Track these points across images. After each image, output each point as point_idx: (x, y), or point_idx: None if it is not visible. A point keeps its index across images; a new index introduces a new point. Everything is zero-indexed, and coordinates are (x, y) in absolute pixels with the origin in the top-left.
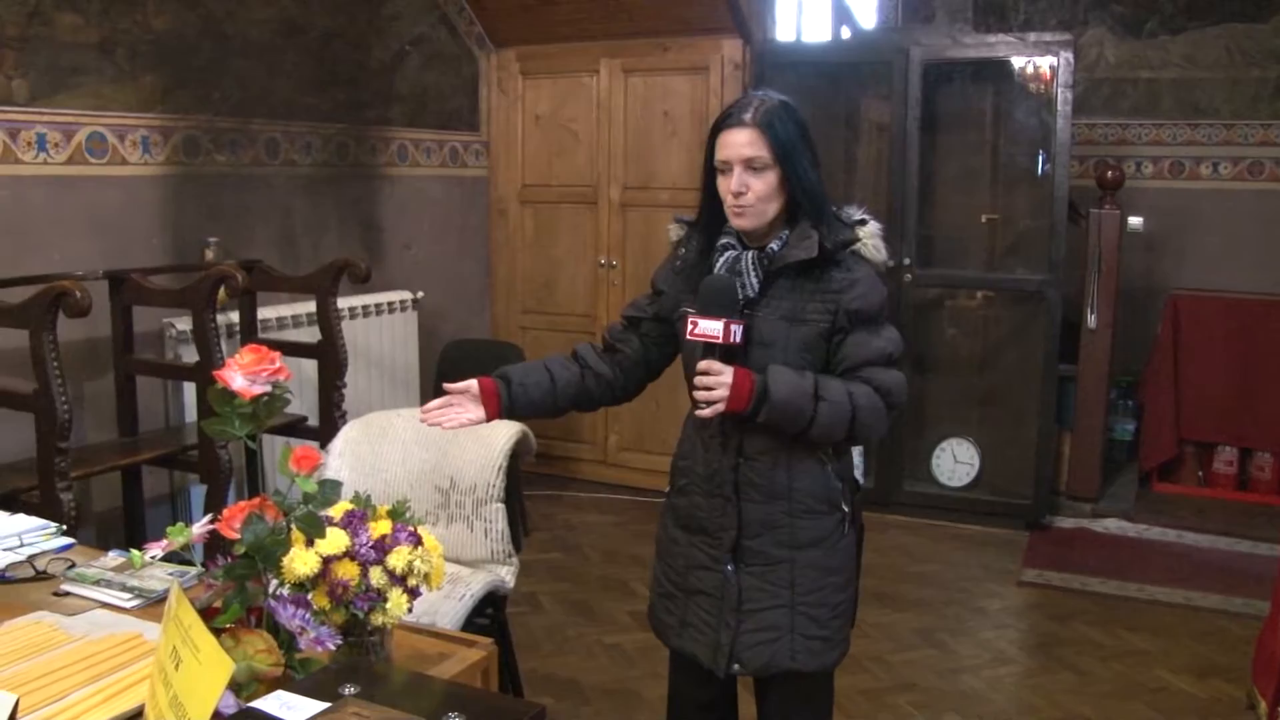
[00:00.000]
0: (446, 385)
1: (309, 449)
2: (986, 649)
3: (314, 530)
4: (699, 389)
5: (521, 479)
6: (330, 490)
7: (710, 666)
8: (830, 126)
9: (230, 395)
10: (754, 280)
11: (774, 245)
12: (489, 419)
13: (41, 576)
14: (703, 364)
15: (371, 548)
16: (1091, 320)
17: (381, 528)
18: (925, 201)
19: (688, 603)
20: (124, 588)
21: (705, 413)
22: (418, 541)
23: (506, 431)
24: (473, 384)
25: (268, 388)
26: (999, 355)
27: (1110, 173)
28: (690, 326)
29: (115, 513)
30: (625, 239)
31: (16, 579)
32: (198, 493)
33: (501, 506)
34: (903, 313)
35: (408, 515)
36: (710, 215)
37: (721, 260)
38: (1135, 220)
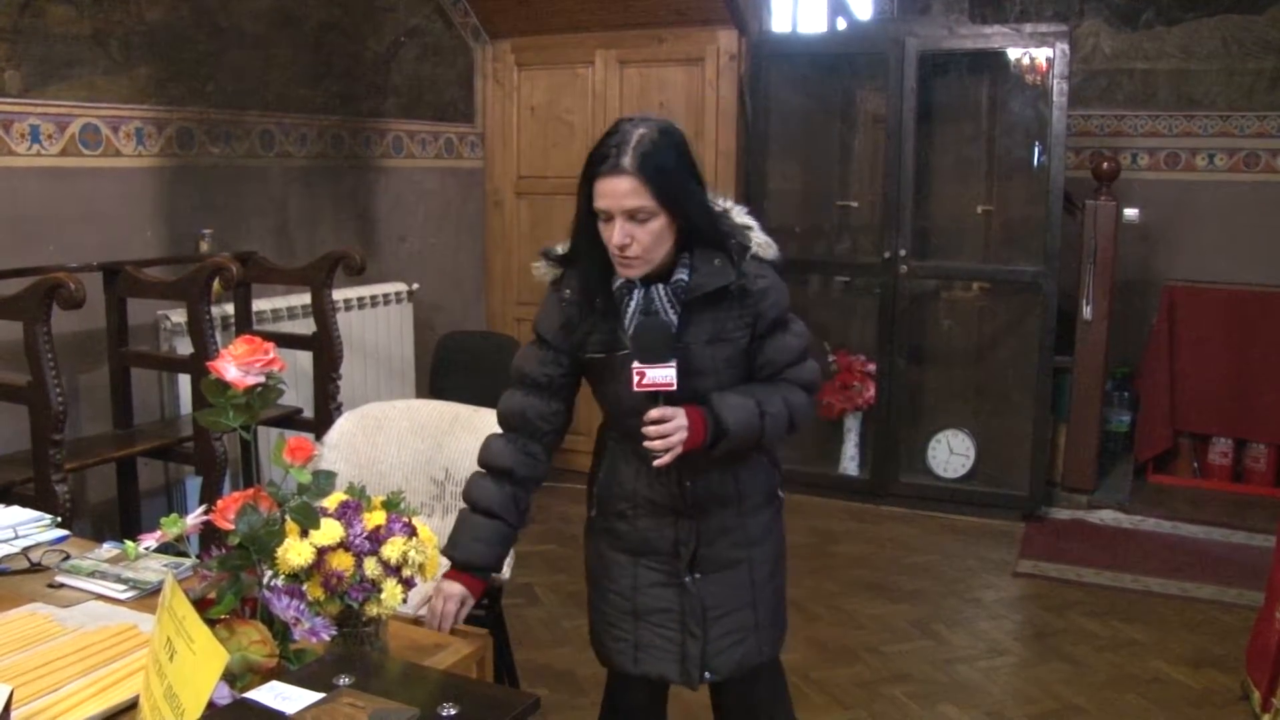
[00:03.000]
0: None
1: (303, 440)
2: (982, 640)
3: (308, 521)
4: (654, 438)
5: None
6: (325, 481)
7: (680, 681)
8: (825, 118)
9: (224, 386)
10: (673, 315)
11: (682, 276)
12: (476, 597)
13: (36, 568)
14: (654, 414)
15: (366, 538)
16: (1087, 311)
17: (376, 518)
18: (921, 193)
19: (638, 625)
20: (118, 579)
21: (664, 460)
22: (412, 532)
23: None
24: (452, 593)
25: (261, 378)
26: (995, 347)
27: (1106, 164)
28: (638, 378)
29: (110, 505)
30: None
31: (11, 571)
32: (193, 484)
33: None
34: (898, 303)
35: (402, 506)
36: (591, 247)
37: (632, 301)
38: (1131, 211)
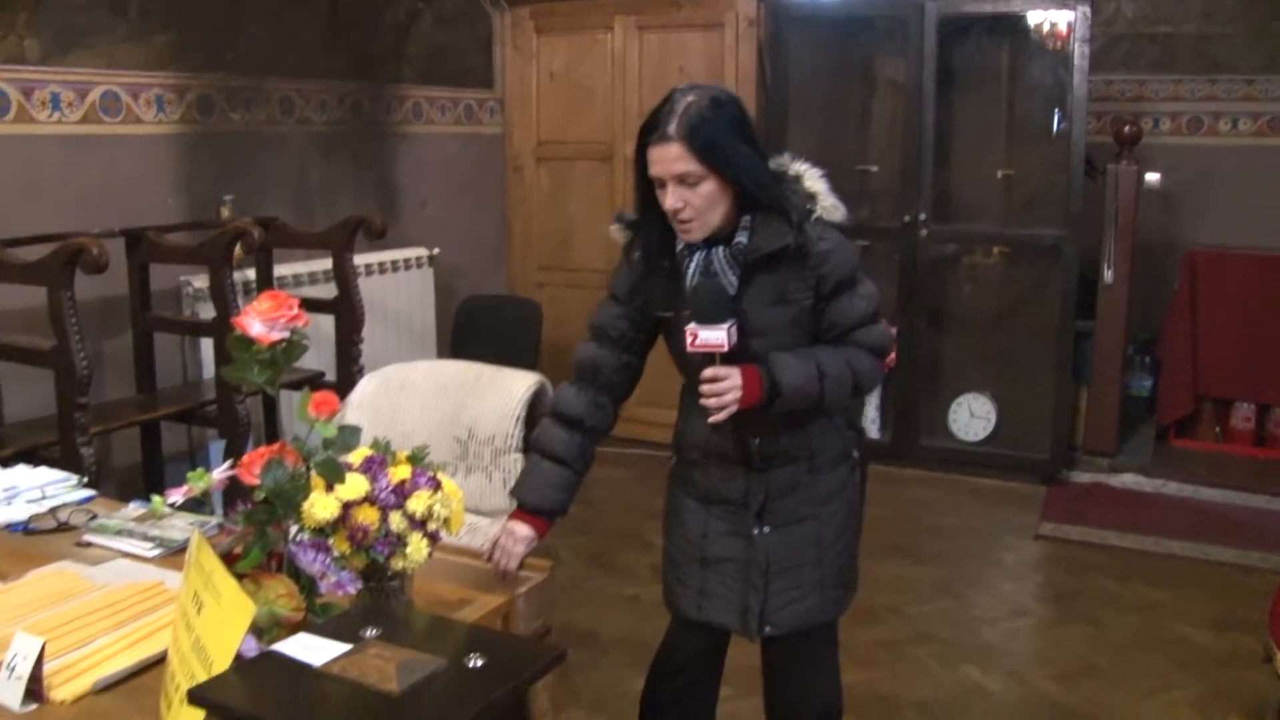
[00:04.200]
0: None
1: (328, 394)
2: (1004, 601)
3: (333, 475)
4: (708, 397)
5: None
6: (349, 436)
7: (740, 632)
8: (845, 82)
9: (249, 342)
10: (733, 278)
11: (741, 239)
12: (540, 536)
13: (64, 528)
14: (708, 373)
15: (391, 492)
16: (1108, 276)
17: (401, 473)
18: (941, 158)
19: (705, 573)
20: (145, 538)
21: (719, 418)
22: (437, 486)
23: (524, 382)
24: (519, 534)
25: (286, 334)
26: (1015, 311)
27: (1127, 129)
28: (690, 339)
29: (135, 469)
30: None
31: (40, 530)
32: (216, 448)
33: (520, 457)
34: (918, 268)
35: (427, 461)
36: (654, 215)
37: (693, 263)
38: (1153, 176)
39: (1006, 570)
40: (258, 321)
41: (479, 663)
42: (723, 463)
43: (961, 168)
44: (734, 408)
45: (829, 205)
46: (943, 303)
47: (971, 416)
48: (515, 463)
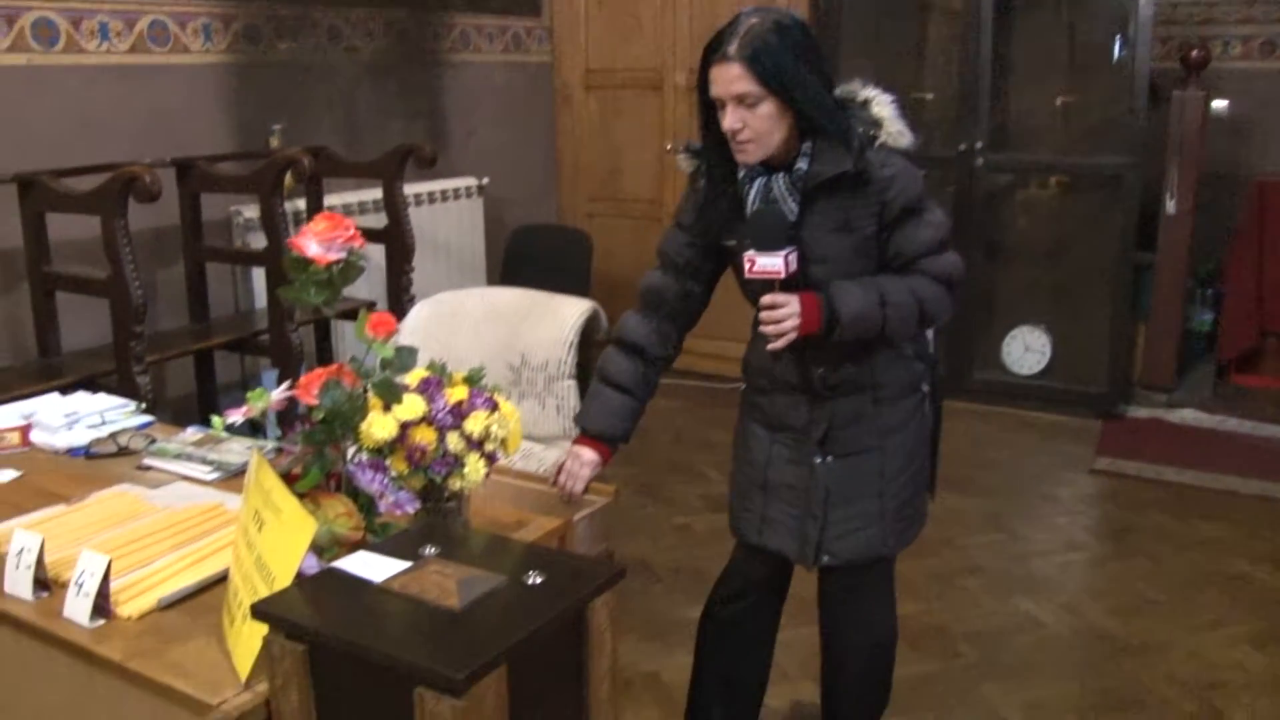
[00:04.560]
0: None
1: (385, 315)
2: (1057, 535)
3: (391, 396)
4: (767, 324)
5: (593, 356)
6: (407, 357)
7: (797, 560)
8: (900, 7)
9: (305, 263)
10: (793, 204)
11: (801, 165)
12: (604, 462)
13: (124, 452)
14: (766, 299)
15: (448, 413)
16: (1171, 206)
17: (458, 393)
18: (998, 85)
19: (767, 499)
20: (204, 461)
21: (777, 345)
22: (494, 407)
23: (577, 309)
24: (584, 458)
25: (343, 254)
26: (1073, 242)
27: (1194, 53)
28: (748, 265)
29: (189, 398)
30: (691, 124)
31: (100, 454)
32: (269, 377)
33: (573, 383)
34: (973, 198)
35: (484, 382)
36: (717, 140)
37: (753, 190)
38: (1220, 103)
39: (1060, 504)
40: (314, 242)
41: (538, 580)
42: (787, 391)
43: (1019, 95)
44: (792, 335)
45: (895, 131)
46: (998, 234)
47: (1026, 350)
48: (568, 389)
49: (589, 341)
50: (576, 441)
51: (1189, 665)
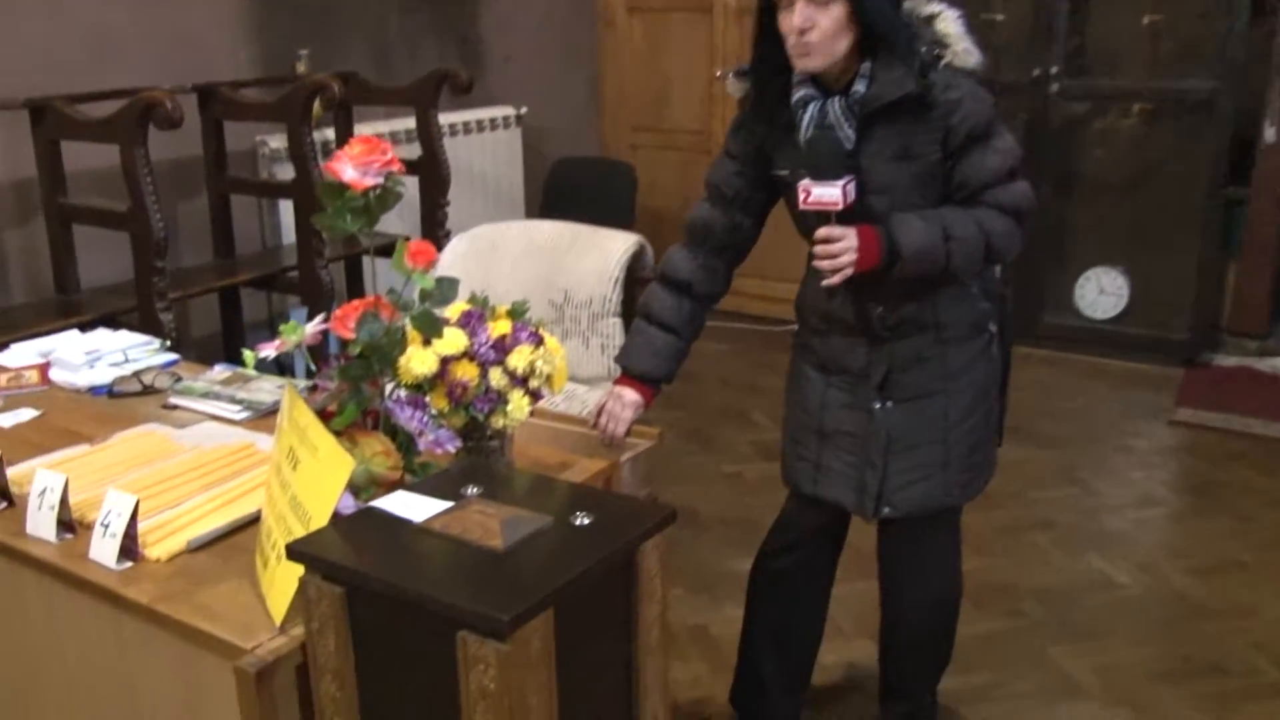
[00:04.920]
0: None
1: (425, 244)
2: (1133, 489)
3: (431, 329)
4: (822, 258)
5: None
6: (448, 288)
7: (855, 511)
8: None
9: (341, 188)
10: (850, 130)
11: (859, 87)
12: (646, 404)
13: (149, 391)
14: (822, 233)
15: (491, 348)
16: (1270, 134)
17: (501, 327)
18: (1076, 4)
19: (822, 447)
20: (232, 400)
21: (833, 281)
22: (539, 342)
23: (623, 243)
24: (626, 399)
25: (380, 179)
26: (1156, 175)
27: None
28: (803, 196)
29: (214, 338)
30: (742, 50)
31: (124, 393)
32: (298, 316)
33: (618, 321)
34: (1047, 128)
35: (528, 316)
36: (770, 60)
37: (807, 115)
38: None
39: (1137, 457)
40: (350, 166)
41: (586, 521)
42: (843, 332)
43: (1100, 15)
44: (849, 271)
45: (961, 50)
46: (1073, 166)
47: (1101, 292)
48: (613, 327)
49: (635, 278)
50: (617, 382)
51: (1277, 631)
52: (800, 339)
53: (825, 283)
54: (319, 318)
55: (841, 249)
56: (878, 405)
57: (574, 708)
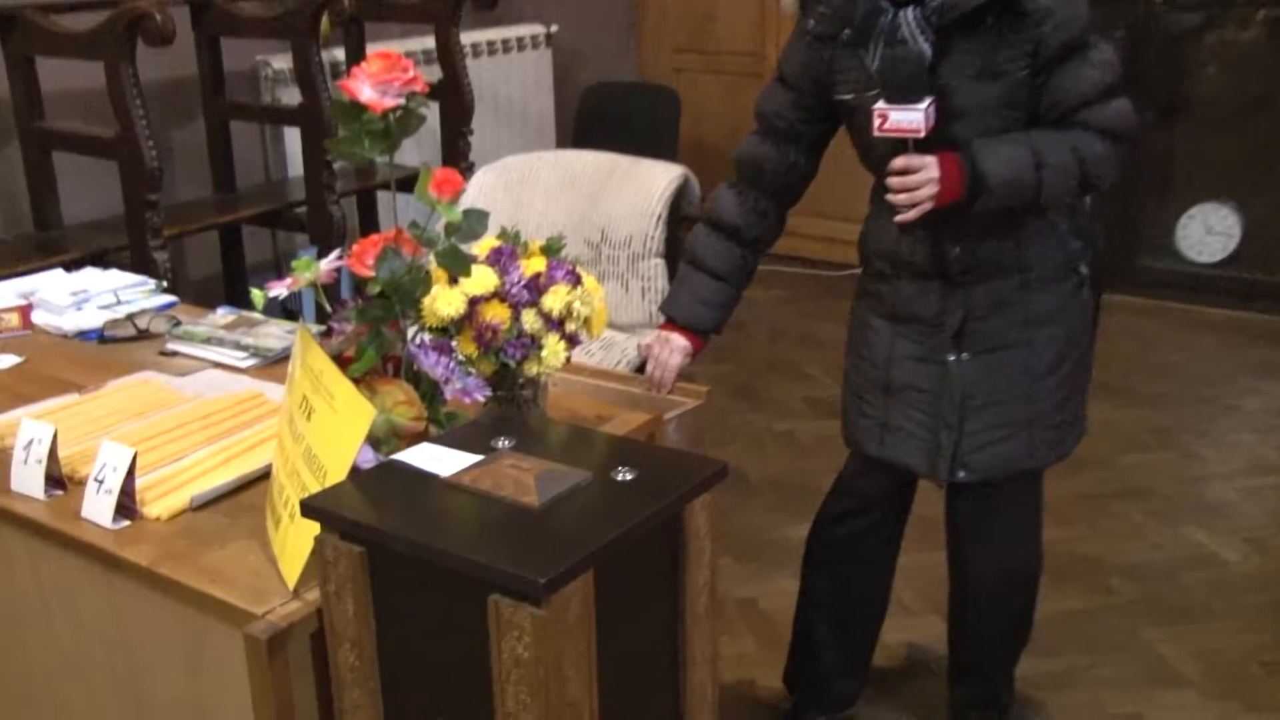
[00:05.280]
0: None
1: (451, 172)
2: (1240, 455)
3: (458, 266)
4: (898, 191)
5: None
6: (477, 221)
7: (926, 475)
8: None
9: (358, 109)
10: (926, 45)
11: None
12: (695, 354)
13: (144, 336)
14: (899, 162)
15: (524, 287)
16: None
17: (535, 265)
18: None
19: (889, 402)
20: (238, 346)
21: (909, 216)
22: (576, 281)
23: (666, 176)
24: (675, 344)
25: (401, 100)
26: (1277, 98)
27: None
28: (879, 122)
29: (214, 281)
30: None
31: (117, 338)
32: (307, 256)
33: (661, 262)
34: (1149, 45)
35: (564, 253)
36: None
37: (877, 29)
38: None
39: (1246, 418)
40: (368, 86)
41: (628, 476)
42: (914, 275)
43: None
44: (928, 205)
45: None
46: (1178, 89)
47: (1207, 233)
48: (655, 269)
49: (679, 215)
50: (662, 328)
51: None
52: (865, 284)
53: (900, 218)
54: (335, 253)
55: (921, 180)
56: (952, 357)
57: (614, 679)
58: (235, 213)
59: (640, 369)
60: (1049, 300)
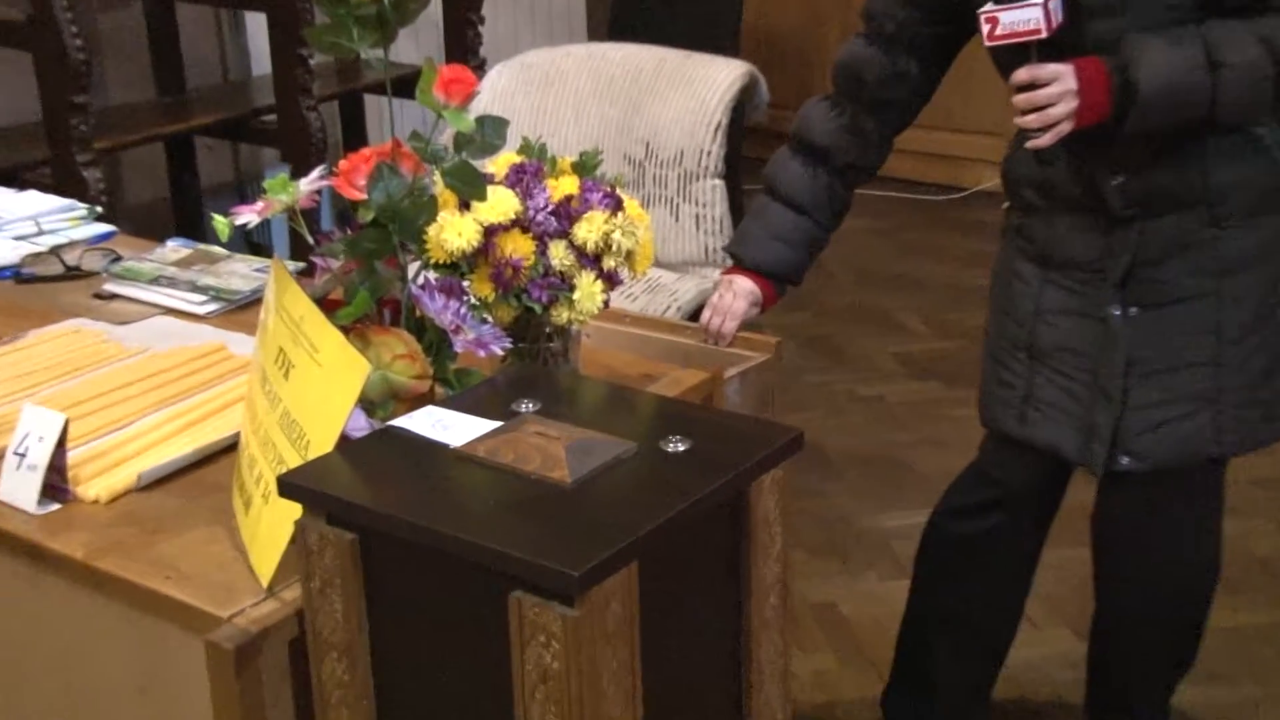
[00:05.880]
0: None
1: (462, 69)
2: None
3: (471, 188)
4: (1025, 111)
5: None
6: (493, 131)
7: (1078, 460)
8: None
9: None
10: None
11: None
12: (766, 305)
13: (74, 274)
14: (1022, 74)
15: (551, 214)
16: None
17: (565, 186)
18: None
19: (1034, 369)
20: (195, 287)
21: (1041, 142)
22: (616, 206)
23: (727, 75)
24: (741, 289)
25: None
26: None
27: None
28: (988, 28)
29: (160, 207)
30: None
31: (39, 277)
32: (280, 175)
33: (720, 184)
34: None
35: (600, 172)
36: None
37: None
38: None
39: None
40: None
41: (680, 447)
42: (1069, 208)
43: None
44: (1066, 127)
45: None
46: None
47: None
48: (713, 192)
49: (741, 125)
50: (727, 272)
51: None
52: (1011, 220)
53: (1031, 144)
54: (316, 171)
55: (1051, 94)
56: (1117, 312)
57: (662, 698)
58: (185, 121)
59: (695, 316)
60: (1247, 240)
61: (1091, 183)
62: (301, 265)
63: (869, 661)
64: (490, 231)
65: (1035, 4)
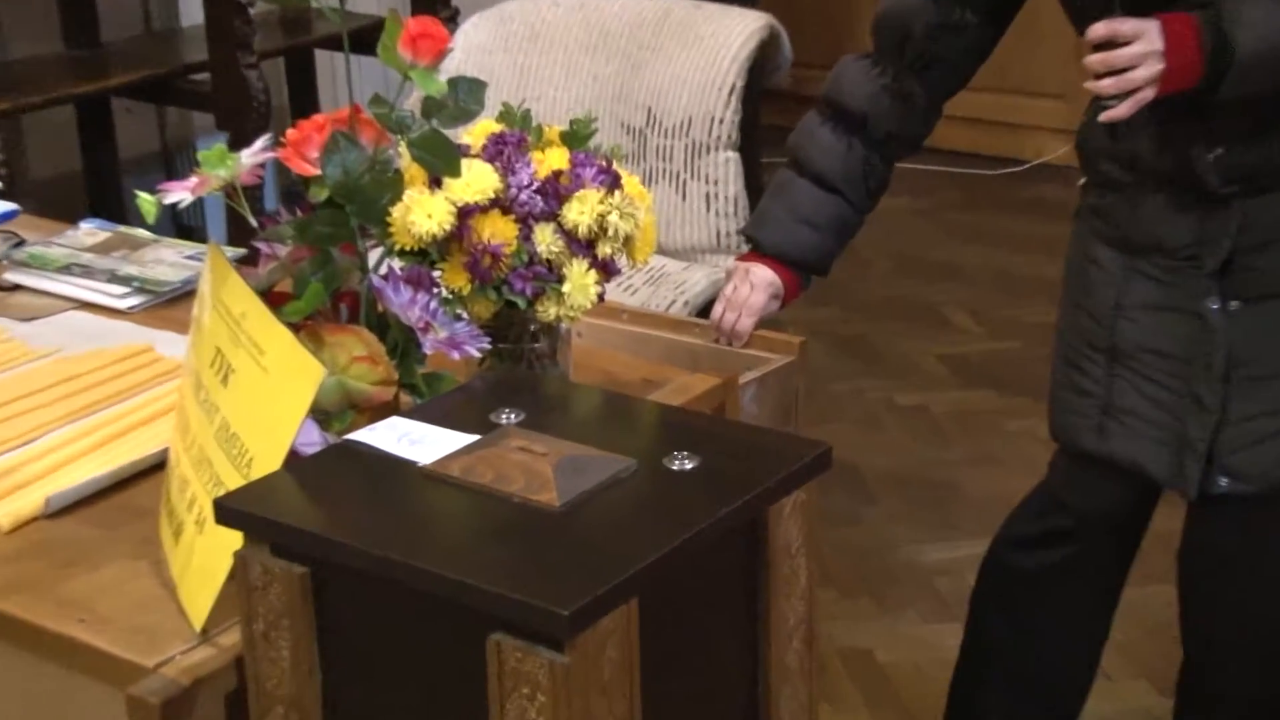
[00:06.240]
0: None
1: (432, 22)
2: None
3: (443, 162)
4: (1100, 74)
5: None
6: (469, 94)
7: (1167, 482)
8: None
9: None
10: None
11: None
12: (787, 298)
13: None
14: (1100, 29)
15: (537, 192)
16: None
17: (553, 160)
18: None
19: (1114, 371)
20: (114, 277)
21: (1118, 113)
22: (614, 183)
23: (741, 29)
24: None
25: None
26: None
27: None
28: None
29: (72, 181)
30: None
31: None
32: (216, 144)
33: (734, 157)
34: None
35: (595, 144)
36: None
37: None
38: None
39: None
40: None
41: (687, 465)
42: (1158, 185)
43: None
44: (1149, 94)
45: None
46: None
47: None
48: (727, 167)
49: (759, 87)
50: (743, 259)
51: None
52: (1088, 199)
53: (1105, 116)
54: (260, 141)
55: (1134, 55)
56: (1215, 306)
57: None
58: (101, 80)
59: (705, 312)
60: None
61: (1184, 156)
62: (242, 252)
63: (909, 717)
64: (465, 213)
65: None
